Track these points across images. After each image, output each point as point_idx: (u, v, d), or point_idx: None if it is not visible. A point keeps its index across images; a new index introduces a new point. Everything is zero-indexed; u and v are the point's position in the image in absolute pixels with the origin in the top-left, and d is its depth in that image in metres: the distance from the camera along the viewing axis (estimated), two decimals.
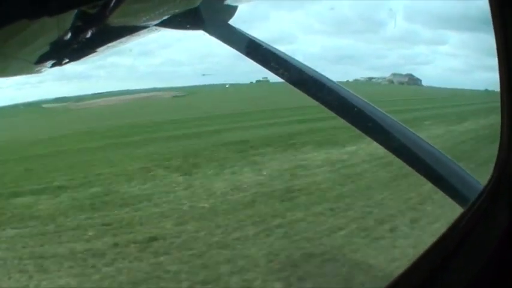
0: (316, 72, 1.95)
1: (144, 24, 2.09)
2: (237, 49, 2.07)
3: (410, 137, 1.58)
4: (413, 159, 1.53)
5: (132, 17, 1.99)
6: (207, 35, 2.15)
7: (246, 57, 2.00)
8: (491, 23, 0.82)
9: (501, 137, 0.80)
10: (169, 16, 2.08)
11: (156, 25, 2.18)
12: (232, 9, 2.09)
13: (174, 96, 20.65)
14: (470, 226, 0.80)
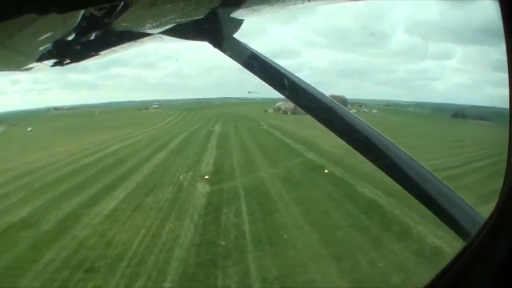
0: (316, 89, 1.94)
1: (148, 31, 2.08)
2: (241, 63, 2.07)
3: (411, 163, 1.56)
4: (413, 187, 1.51)
5: (138, 23, 1.98)
6: (211, 46, 2.15)
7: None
8: (499, 33, 0.79)
9: (507, 168, 0.78)
10: (174, 25, 2.07)
11: (160, 33, 2.18)
12: (238, 23, 2.09)
13: None
14: (472, 259, 0.78)
